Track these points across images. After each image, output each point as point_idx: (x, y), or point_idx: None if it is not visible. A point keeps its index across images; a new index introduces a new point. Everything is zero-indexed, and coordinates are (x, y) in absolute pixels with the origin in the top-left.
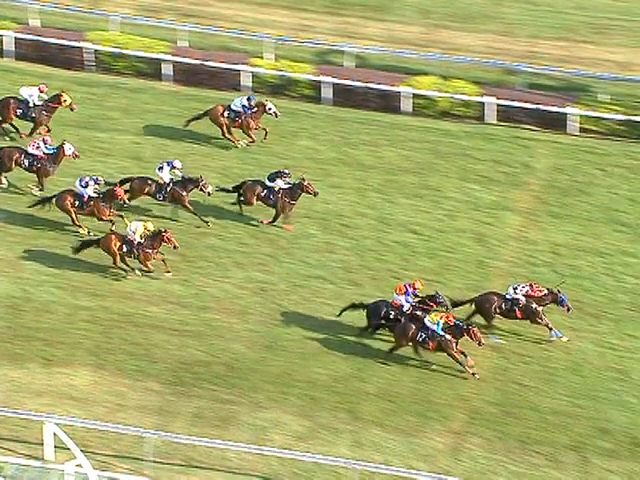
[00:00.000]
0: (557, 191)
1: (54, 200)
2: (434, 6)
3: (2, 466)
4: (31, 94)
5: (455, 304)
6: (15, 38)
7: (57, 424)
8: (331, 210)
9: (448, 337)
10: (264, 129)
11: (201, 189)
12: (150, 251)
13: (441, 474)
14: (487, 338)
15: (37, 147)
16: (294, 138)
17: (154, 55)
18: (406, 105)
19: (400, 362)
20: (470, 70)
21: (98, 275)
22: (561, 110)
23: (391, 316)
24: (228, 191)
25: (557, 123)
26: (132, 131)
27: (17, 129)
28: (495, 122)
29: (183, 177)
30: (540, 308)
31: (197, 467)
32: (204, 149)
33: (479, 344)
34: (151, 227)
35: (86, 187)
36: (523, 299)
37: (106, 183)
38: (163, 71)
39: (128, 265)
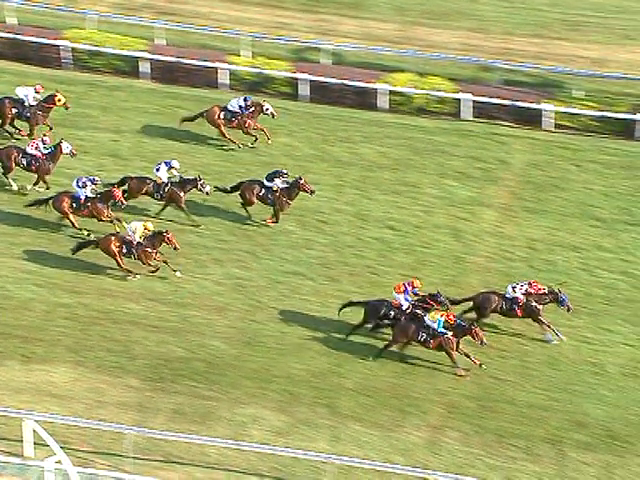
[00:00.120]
0: (533, 186)
1: (51, 202)
2: (409, 3)
3: None
4: (26, 94)
5: (454, 303)
6: None
7: (36, 421)
8: (309, 207)
9: (450, 336)
10: (262, 129)
11: (199, 189)
12: (150, 251)
13: (419, 467)
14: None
15: (36, 147)
16: (272, 135)
17: (131, 53)
18: (383, 102)
19: (378, 357)
20: (446, 67)
21: (77, 272)
22: (536, 106)
23: (391, 316)
24: (226, 191)
25: (532, 119)
26: (110, 129)
27: (17, 128)
28: (471, 118)
29: (181, 177)
30: (540, 306)
31: (177, 463)
32: (183, 146)
33: (481, 344)
34: (151, 227)
35: (83, 187)
36: (522, 297)
37: (104, 184)
38: (140, 69)
39: (121, 266)
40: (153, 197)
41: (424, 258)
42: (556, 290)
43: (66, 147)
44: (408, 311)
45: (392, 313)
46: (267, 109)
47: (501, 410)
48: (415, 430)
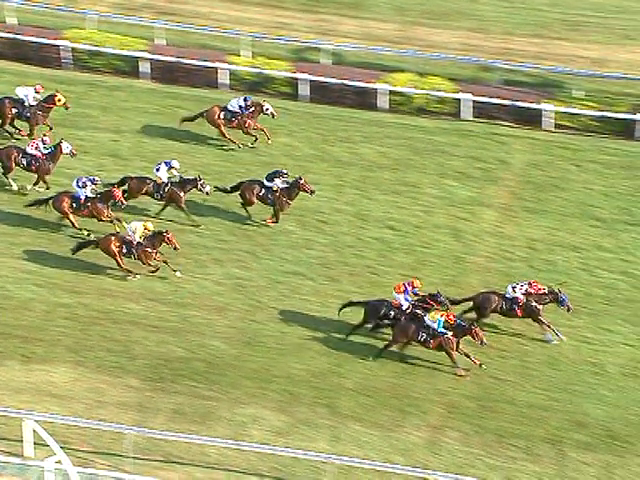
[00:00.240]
0: (533, 186)
1: (51, 202)
2: (409, 3)
3: None
4: (27, 94)
5: (454, 303)
6: None
7: (36, 421)
8: (309, 207)
9: (450, 336)
10: (262, 129)
11: (199, 189)
12: (150, 251)
13: (419, 467)
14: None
15: (36, 147)
16: (272, 135)
17: (131, 53)
18: (382, 102)
19: (378, 357)
20: (446, 67)
21: (77, 272)
22: (536, 106)
23: (391, 316)
24: (226, 191)
25: (532, 119)
26: (110, 129)
27: (17, 128)
28: (471, 118)
29: (181, 177)
30: (540, 306)
31: (177, 463)
32: (183, 146)
33: (481, 344)
34: (151, 227)
35: (83, 187)
36: (522, 297)
37: (104, 184)
38: (140, 69)
39: (121, 266)
40: (153, 197)
41: (424, 258)
42: (556, 290)
43: (66, 147)
44: (408, 311)
45: (392, 313)
46: (267, 109)
47: (501, 410)
48: (415, 430)
